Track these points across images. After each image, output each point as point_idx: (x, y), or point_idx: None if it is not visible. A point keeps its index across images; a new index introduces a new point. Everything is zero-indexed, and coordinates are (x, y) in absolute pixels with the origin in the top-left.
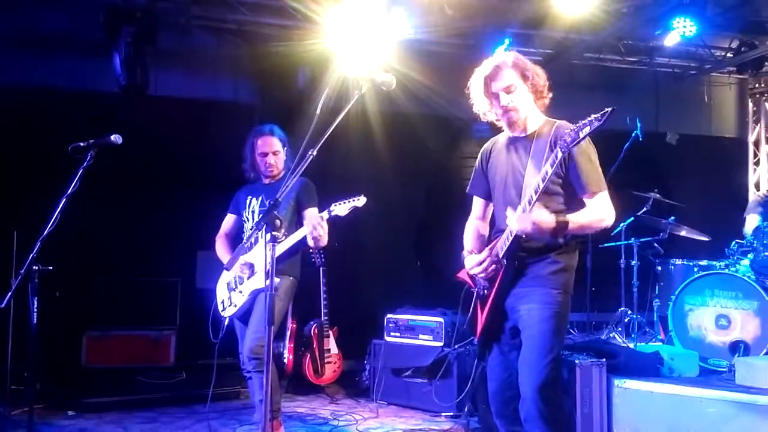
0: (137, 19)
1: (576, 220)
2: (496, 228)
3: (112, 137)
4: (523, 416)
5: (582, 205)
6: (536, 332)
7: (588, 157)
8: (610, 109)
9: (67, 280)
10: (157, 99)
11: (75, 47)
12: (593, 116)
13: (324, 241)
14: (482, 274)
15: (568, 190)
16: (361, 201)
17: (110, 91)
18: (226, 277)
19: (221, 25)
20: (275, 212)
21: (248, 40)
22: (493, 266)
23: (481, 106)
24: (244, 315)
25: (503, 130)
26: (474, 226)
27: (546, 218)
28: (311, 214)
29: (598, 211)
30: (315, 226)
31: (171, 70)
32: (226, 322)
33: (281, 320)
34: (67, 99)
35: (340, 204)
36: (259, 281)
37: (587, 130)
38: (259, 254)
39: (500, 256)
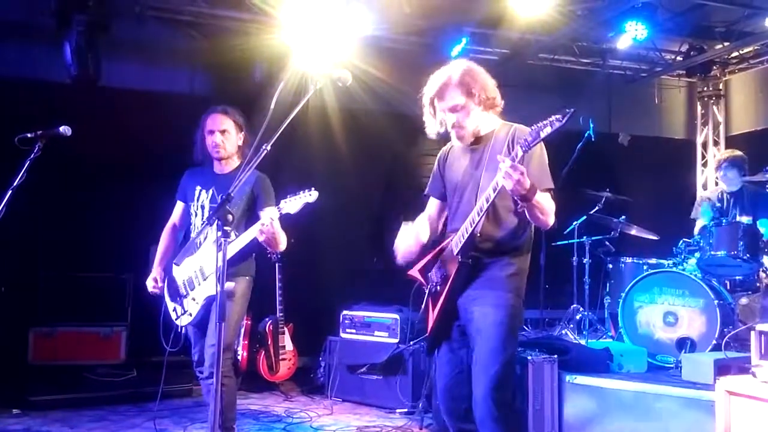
0: (89, 7)
1: (540, 197)
2: (450, 228)
3: (61, 128)
4: (476, 418)
5: None
6: (490, 335)
7: (541, 157)
8: (570, 110)
9: (12, 275)
10: (109, 90)
11: (24, 34)
12: (554, 117)
13: (278, 244)
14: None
15: None
16: (312, 196)
17: (60, 81)
18: (175, 281)
19: (177, 17)
20: (227, 207)
21: (205, 33)
22: (447, 264)
23: (430, 122)
24: (200, 322)
25: None
26: (422, 220)
27: (526, 178)
28: (267, 215)
29: (550, 203)
30: (262, 230)
31: (125, 61)
32: (181, 330)
33: (239, 324)
34: (15, 88)
35: (289, 200)
36: (211, 287)
37: (548, 130)
38: (209, 256)
39: (455, 253)
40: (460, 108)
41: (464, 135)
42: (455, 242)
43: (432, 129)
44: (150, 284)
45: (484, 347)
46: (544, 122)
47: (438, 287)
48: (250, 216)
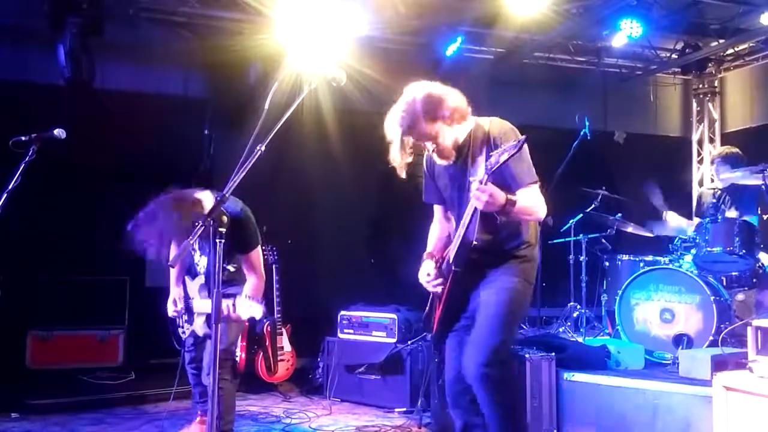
0: (83, 9)
1: (521, 201)
2: (455, 234)
3: (56, 131)
4: (476, 394)
5: None
6: (489, 314)
7: (519, 156)
8: (523, 137)
9: (10, 279)
10: (103, 92)
11: (18, 37)
12: (512, 143)
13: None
14: (430, 284)
15: (506, 189)
16: (258, 311)
17: (54, 83)
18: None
19: (171, 18)
20: (222, 209)
21: (199, 34)
22: (440, 280)
23: (397, 157)
24: (196, 339)
25: None
26: (437, 227)
27: (500, 192)
28: (253, 258)
29: (535, 198)
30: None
31: (119, 63)
32: (185, 337)
33: (239, 331)
34: (9, 91)
35: (241, 303)
36: (198, 327)
37: (505, 156)
38: (197, 296)
39: (450, 261)
40: (435, 135)
41: (447, 154)
42: (451, 251)
43: (401, 164)
44: (170, 308)
45: (481, 324)
46: (503, 148)
47: (441, 288)
48: (232, 256)
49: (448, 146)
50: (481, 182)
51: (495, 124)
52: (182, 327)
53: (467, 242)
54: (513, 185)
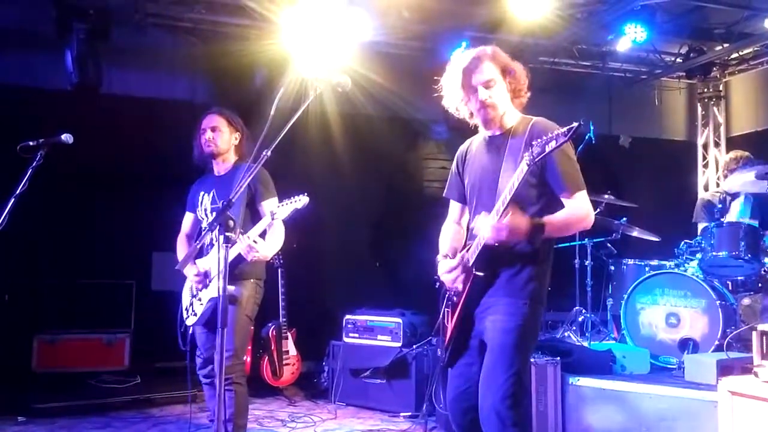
0: (90, 15)
1: (553, 220)
2: (470, 233)
3: (63, 136)
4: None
5: (561, 205)
6: (497, 345)
7: (567, 155)
8: (576, 124)
9: (16, 283)
10: (110, 97)
11: (25, 43)
12: (562, 130)
13: (261, 257)
14: (452, 284)
15: (544, 190)
16: (301, 202)
17: (62, 88)
18: (189, 283)
19: (177, 24)
20: (228, 212)
21: (205, 39)
22: (463, 275)
23: (453, 100)
24: (206, 323)
25: (464, 130)
26: (450, 229)
27: (520, 222)
28: (268, 207)
29: (578, 210)
30: (246, 249)
31: (125, 69)
32: (190, 330)
33: (247, 329)
34: (17, 96)
35: (281, 206)
36: (214, 289)
37: (553, 144)
38: (215, 259)
39: (470, 264)
40: (494, 84)
41: (493, 116)
42: (471, 253)
43: (454, 102)
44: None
45: (491, 358)
46: (550, 136)
47: (455, 297)
48: (252, 210)
49: (498, 110)
50: (503, 203)
51: (539, 123)
52: (189, 316)
53: (488, 245)
54: (557, 189)
